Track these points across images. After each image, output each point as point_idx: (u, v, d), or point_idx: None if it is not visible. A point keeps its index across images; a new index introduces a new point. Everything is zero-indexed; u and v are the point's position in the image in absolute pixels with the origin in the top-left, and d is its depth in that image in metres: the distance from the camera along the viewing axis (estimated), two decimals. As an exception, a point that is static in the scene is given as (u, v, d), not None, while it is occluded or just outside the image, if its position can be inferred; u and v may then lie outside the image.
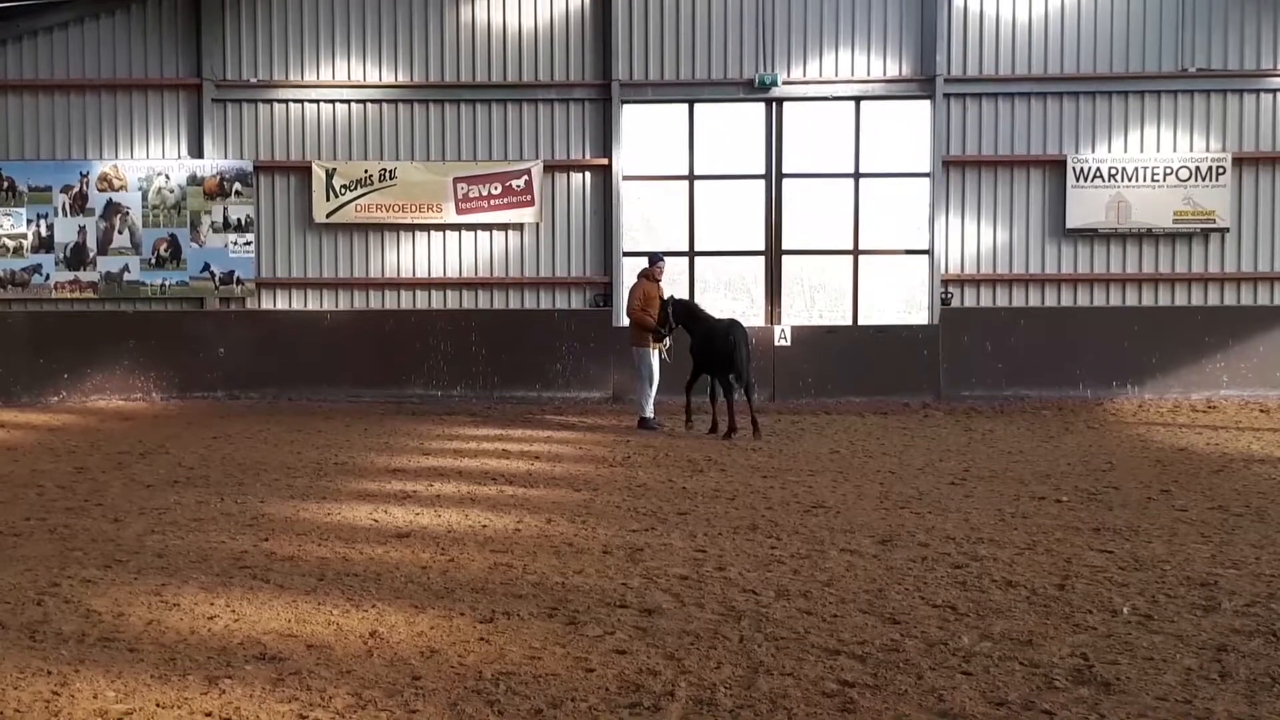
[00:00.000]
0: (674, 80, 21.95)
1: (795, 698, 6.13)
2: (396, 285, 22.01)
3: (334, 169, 21.72)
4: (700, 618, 7.59)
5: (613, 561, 9.16)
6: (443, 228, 21.93)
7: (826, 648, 6.96)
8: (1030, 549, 9.58)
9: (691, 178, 22.15)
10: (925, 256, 22.09)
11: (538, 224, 21.91)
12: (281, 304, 22.08)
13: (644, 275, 18.30)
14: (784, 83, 21.82)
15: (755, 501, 11.81)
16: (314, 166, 21.75)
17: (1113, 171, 21.73)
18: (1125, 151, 21.88)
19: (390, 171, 21.72)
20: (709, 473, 13.70)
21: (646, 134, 22.22)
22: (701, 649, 6.94)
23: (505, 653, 6.83)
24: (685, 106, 22.09)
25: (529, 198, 21.73)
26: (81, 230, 21.81)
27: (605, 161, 21.84)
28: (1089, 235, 21.83)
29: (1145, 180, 21.70)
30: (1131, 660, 6.71)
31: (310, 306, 22.09)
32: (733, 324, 17.61)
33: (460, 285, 22.05)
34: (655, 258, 18.41)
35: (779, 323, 22.04)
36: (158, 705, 5.96)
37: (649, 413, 18.30)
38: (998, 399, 21.56)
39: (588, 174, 22.04)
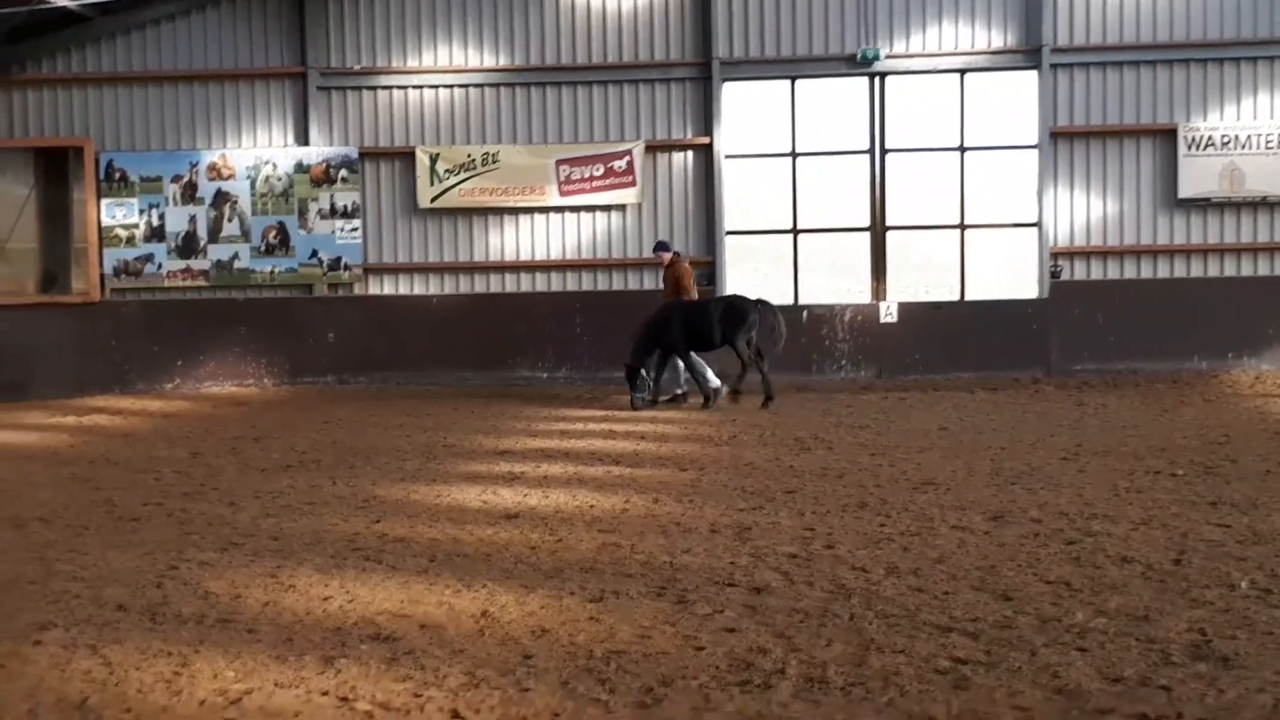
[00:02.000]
0: (775, 57, 21.81)
1: (907, 675, 6.06)
2: (501, 268, 22.12)
3: (437, 154, 21.86)
4: (810, 596, 7.54)
5: (721, 540, 9.13)
6: (545, 210, 21.99)
7: (938, 625, 6.88)
8: (1145, 524, 9.41)
9: (794, 155, 22.00)
10: (1033, 229, 21.77)
11: (639, 204, 21.90)
12: (388, 289, 22.29)
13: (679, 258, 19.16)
14: (887, 57, 21.59)
15: (864, 479, 11.72)
16: (418, 152, 21.91)
17: (1225, 140, 21.27)
18: (1238, 119, 21.39)
19: (493, 155, 21.81)
20: (816, 451, 13.62)
21: (748, 112, 22.10)
22: (811, 627, 6.89)
23: (615, 631, 6.84)
24: (787, 83, 21.93)
25: (630, 178, 21.73)
26: (192, 219, 22.16)
27: (706, 140, 21.77)
28: (1202, 205, 21.39)
29: (1259, 148, 21.20)
30: (1250, 635, 6.56)
31: (416, 291, 22.27)
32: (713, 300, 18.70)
33: (563, 267, 22.10)
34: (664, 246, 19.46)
35: (884, 299, 21.86)
36: (276, 685, 6.03)
37: (714, 382, 18.51)
38: (1110, 373, 21.21)
39: (689, 153, 21.98)
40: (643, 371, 18.42)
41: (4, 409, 19.56)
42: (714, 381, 18.56)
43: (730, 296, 19.02)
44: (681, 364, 18.81)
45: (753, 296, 18.70)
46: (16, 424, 17.56)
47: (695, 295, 19.00)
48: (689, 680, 6.01)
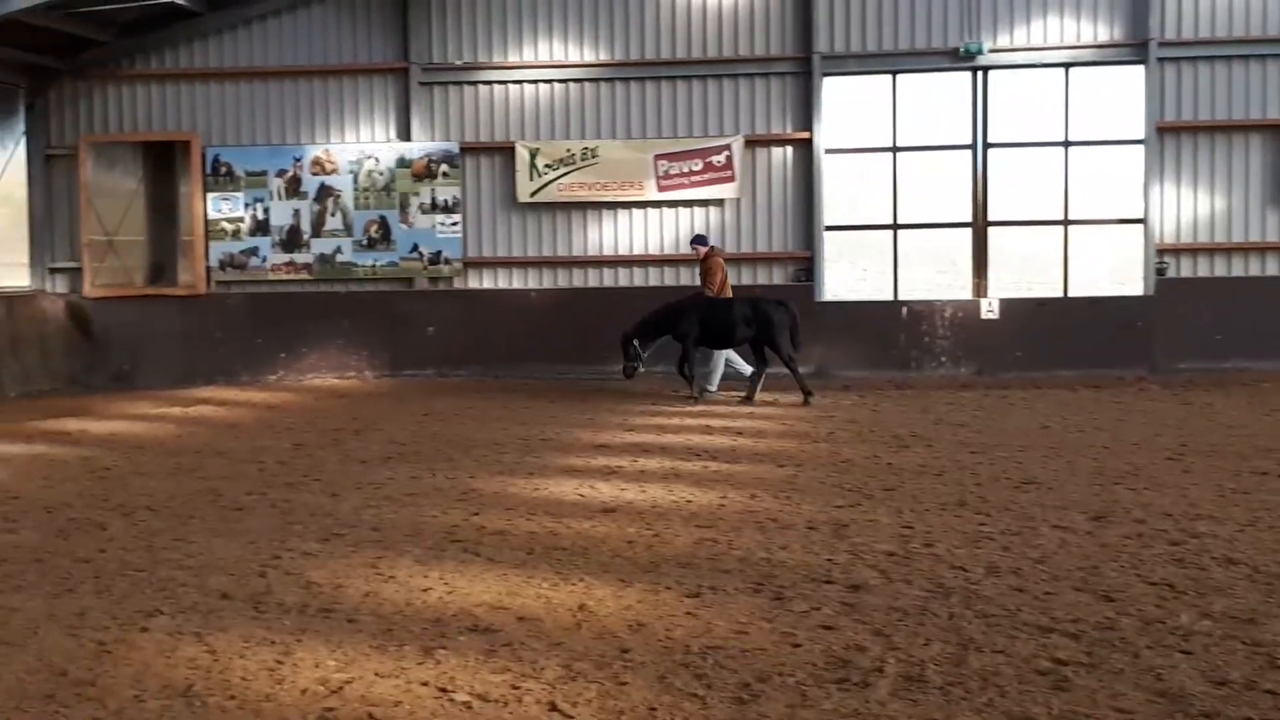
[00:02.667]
0: (876, 51, 21.65)
1: (1007, 675, 6.01)
2: (599, 263, 22.17)
3: (537, 149, 21.95)
4: (908, 594, 7.51)
5: (818, 537, 9.10)
6: (644, 205, 22.00)
7: (1039, 625, 6.82)
8: (1252, 525, 9.25)
9: (895, 149, 21.84)
10: (1139, 226, 21.43)
11: (738, 200, 21.85)
12: (487, 283, 22.41)
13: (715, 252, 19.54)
14: (990, 51, 21.34)
15: (963, 477, 11.62)
16: (518, 147, 22.01)
17: (1338, 134, 20.84)
18: (1352, 113, 20.95)
19: (592, 150, 21.87)
20: (915, 448, 13.53)
21: (848, 106, 21.96)
22: (910, 625, 6.86)
23: (712, 627, 6.84)
24: (888, 78, 21.76)
25: (729, 173, 21.67)
26: (296, 213, 22.44)
27: (806, 135, 21.65)
28: (1313, 201, 20.98)
29: (1374, 143, 20.75)
30: (1363, 641, 6.44)
31: (515, 285, 22.38)
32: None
33: (661, 262, 22.10)
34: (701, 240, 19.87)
35: (985, 295, 21.63)
36: (376, 675, 6.11)
37: (713, 385, 19.06)
38: (1216, 371, 20.81)
39: (789, 148, 21.88)
40: (635, 343, 18.89)
41: (113, 399, 19.94)
42: (713, 386, 19.16)
43: (754, 298, 19.06)
44: (720, 357, 19.18)
45: (775, 299, 18.91)
46: (125, 414, 17.89)
47: (725, 292, 19.15)
48: (786, 677, 6.01)
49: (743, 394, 18.77)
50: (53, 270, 22.98)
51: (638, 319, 19.00)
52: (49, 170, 22.91)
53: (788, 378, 18.57)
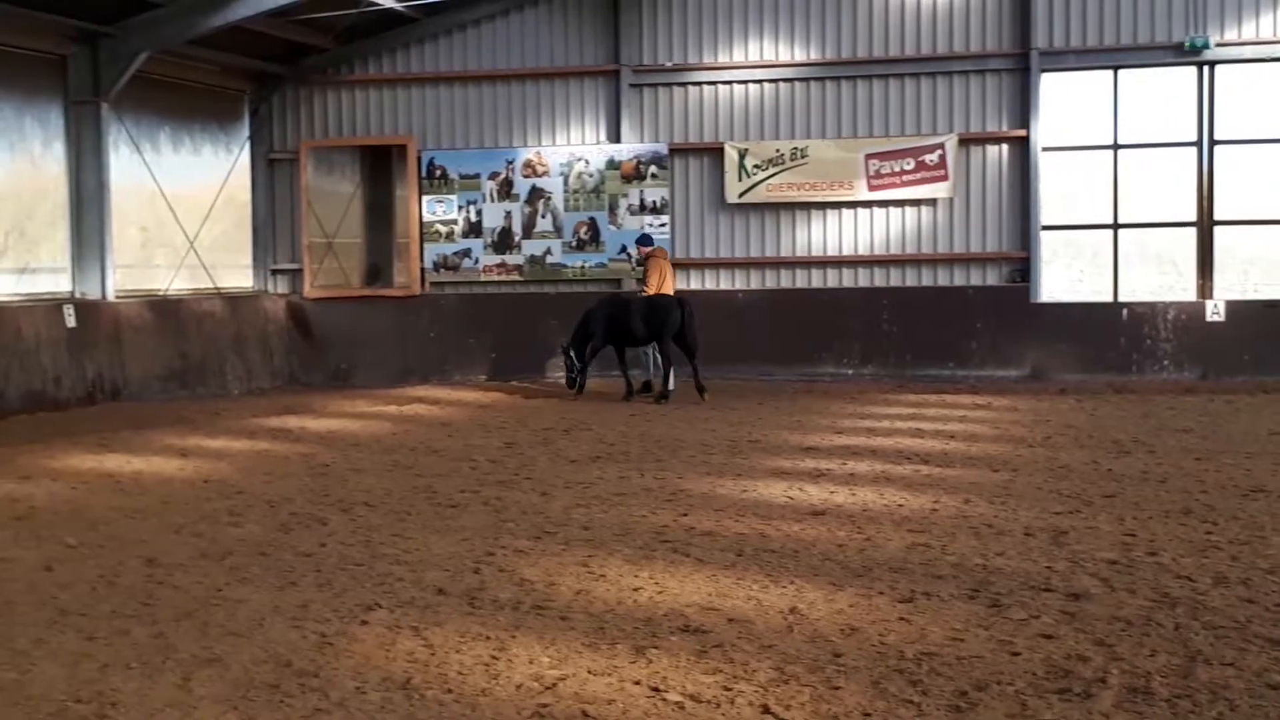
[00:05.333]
0: (1097, 46, 21.06)
1: (1237, 689, 5.77)
2: (807, 263, 22.03)
3: (746, 149, 21.90)
4: (1131, 604, 7.26)
5: (1035, 544, 8.88)
6: (854, 205, 21.78)
7: (1271, 638, 6.54)
8: None
9: (1115, 147, 21.23)
10: (1377, 224, 20.52)
11: (951, 199, 21.48)
12: (695, 284, 22.42)
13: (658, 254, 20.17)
14: (1217, 45, 20.59)
15: (1188, 484, 11.22)
16: (726, 147, 21.98)
17: None
18: None
19: (801, 150, 21.73)
20: (1136, 454, 13.12)
21: (1066, 103, 21.42)
22: (1134, 636, 6.63)
23: (926, 633, 6.71)
24: (1109, 73, 21.17)
25: (942, 172, 21.32)
26: (507, 215, 22.77)
27: (1023, 133, 21.18)
28: None
29: None
30: None
31: (723, 286, 22.37)
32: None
33: (871, 262, 21.86)
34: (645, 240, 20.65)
35: (1210, 297, 20.89)
36: (589, 672, 6.13)
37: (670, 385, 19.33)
38: None
39: (1004, 146, 21.43)
40: (570, 354, 19.51)
41: (331, 397, 20.48)
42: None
43: (655, 295, 19.32)
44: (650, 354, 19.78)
45: (676, 298, 19.38)
46: (343, 412, 18.36)
47: (666, 291, 19.64)
48: (1004, 685, 5.86)
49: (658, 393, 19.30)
50: (274, 272, 23.75)
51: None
52: (271, 174, 23.69)
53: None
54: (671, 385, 19.19)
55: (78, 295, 19.38)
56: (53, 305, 18.65)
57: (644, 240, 20.65)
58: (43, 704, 5.86)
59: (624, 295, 20.30)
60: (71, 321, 18.62)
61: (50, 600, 7.76)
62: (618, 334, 19.23)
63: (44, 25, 18.57)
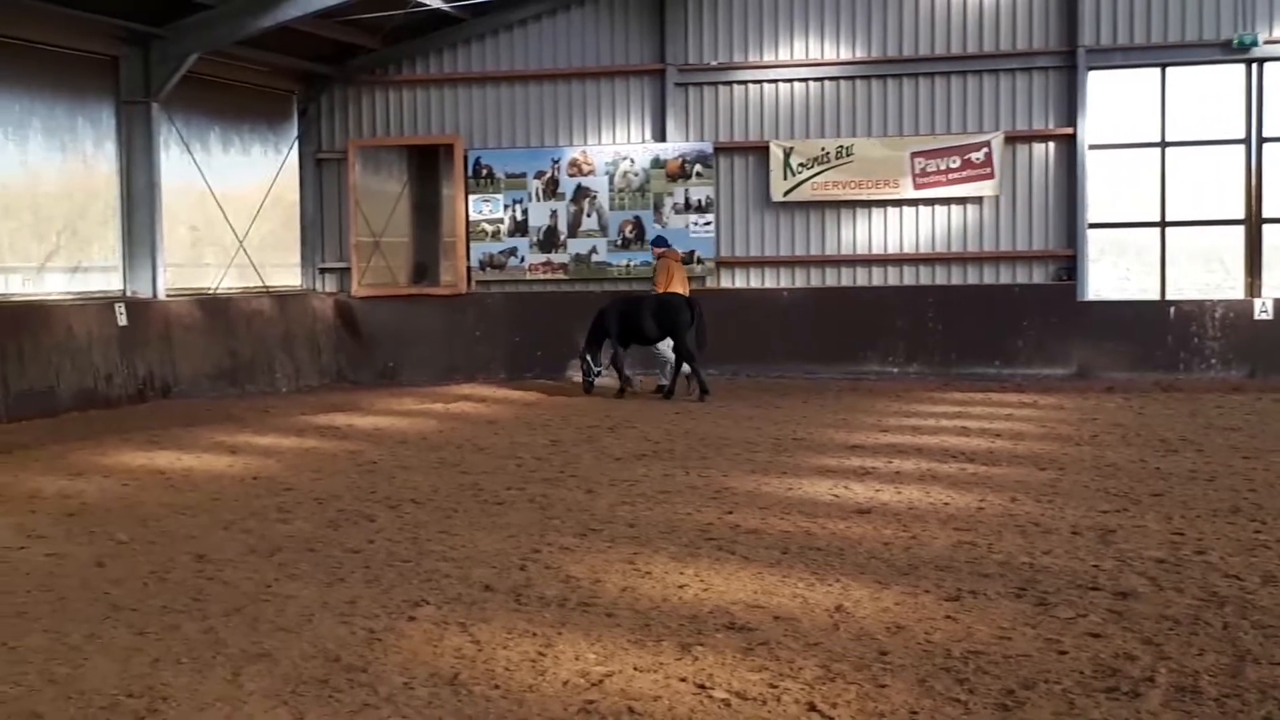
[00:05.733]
0: (1144, 44, 20.93)
1: (1288, 690, 5.76)
2: (852, 262, 21.99)
3: (791, 148, 21.88)
4: (1179, 603, 7.24)
5: (1083, 543, 8.85)
6: (899, 203, 21.73)
7: (1321, 639, 6.51)
8: None
9: (1163, 145, 21.09)
10: None
11: (997, 197, 21.39)
12: (740, 282, 22.44)
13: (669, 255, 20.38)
14: (1265, 42, 20.42)
15: (1236, 483, 11.15)
16: (772, 146, 21.97)
17: None
18: None
19: (847, 148, 21.69)
20: (1184, 453, 13.04)
21: (1113, 100, 21.29)
22: (1182, 635, 6.61)
23: (973, 631, 6.71)
24: (1156, 71, 21.04)
25: (988, 170, 21.24)
26: (553, 214, 22.83)
27: (1069, 131, 21.07)
28: None
29: None
30: None
31: (768, 284, 22.36)
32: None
33: (916, 261, 21.81)
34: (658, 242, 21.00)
35: (1259, 295, 20.72)
36: (635, 669, 6.16)
37: (665, 378, 19.73)
38: None
39: (1050, 144, 21.33)
40: (587, 358, 19.76)
41: (378, 394, 20.60)
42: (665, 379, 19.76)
43: (666, 294, 19.44)
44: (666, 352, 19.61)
45: (686, 297, 19.49)
46: (389, 409, 18.46)
47: (678, 289, 19.76)
48: (1051, 684, 5.86)
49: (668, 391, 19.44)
50: (322, 270, 23.92)
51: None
52: (319, 173, 23.87)
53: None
54: (670, 382, 19.46)
55: (129, 294, 19.58)
56: (104, 304, 18.85)
57: (658, 242, 20.90)
58: (95, 698, 5.94)
59: (636, 294, 20.36)
60: (123, 320, 18.82)
61: (102, 595, 7.86)
62: (630, 332, 19.38)
63: (96, 26, 18.77)
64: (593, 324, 19.65)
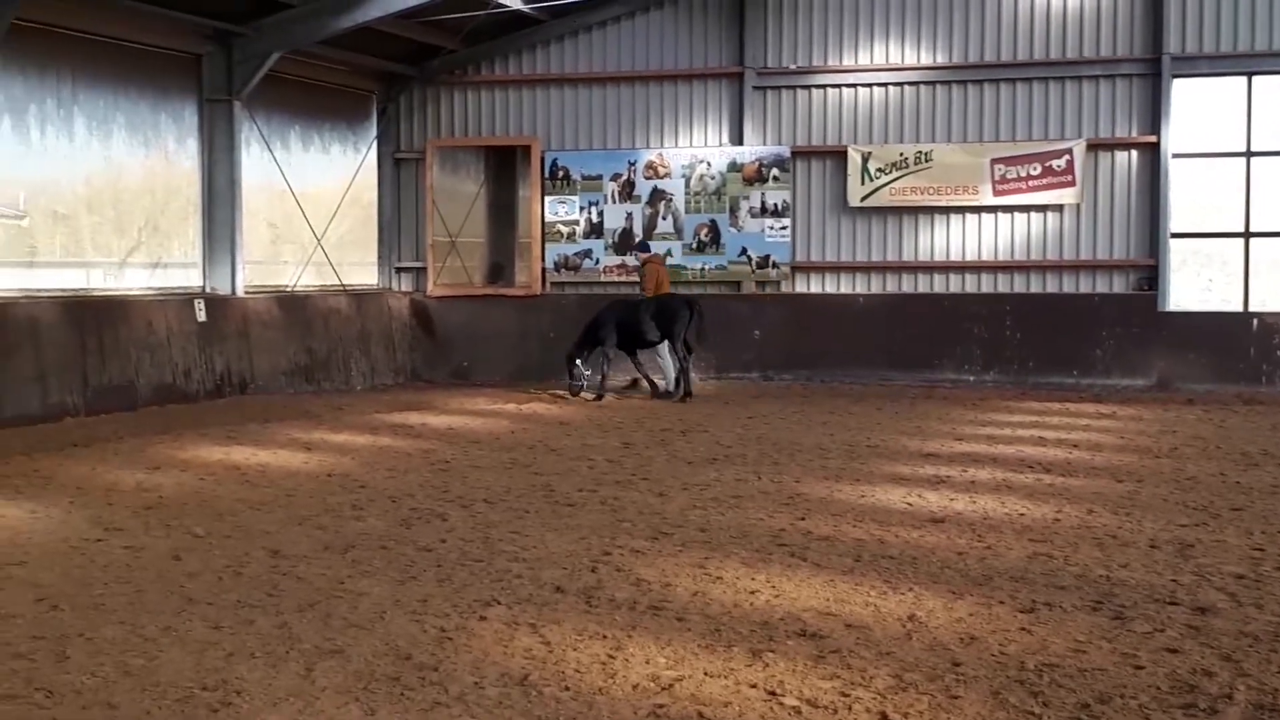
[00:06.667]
0: (1231, 52, 20.63)
1: (1371, 710, 5.64)
2: (930, 268, 21.83)
3: (869, 153, 21.76)
4: (1259, 619, 7.12)
5: (1161, 556, 8.73)
6: (978, 210, 21.55)
7: (1406, 659, 6.37)
8: None
9: (1248, 154, 20.78)
10: None
11: (1078, 205, 21.16)
12: (815, 287, 22.35)
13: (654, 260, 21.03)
14: (1355, 50, 20.12)
15: (1319, 499, 10.98)
16: (849, 151, 21.85)
17: None
18: None
19: (926, 154, 21.54)
20: (1266, 467, 12.84)
21: (1197, 109, 21.00)
22: (1261, 652, 6.50)
23: (1048, 644, 6.63)
24: (1242, 79, 20.72)
25: (1070, 178, 21.02)
26: (629, 216, 22.84)
27: (1153, 139, 20.80)
28: None
29: None
30: None
31: (843, 290, 22.24)
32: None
33: (994, 268, 21.62)
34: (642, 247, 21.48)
35: (1342, 306, 20.40)
36: (705, 674, 6.14)
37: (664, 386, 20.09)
38: None
39: (1133, 152, 21.08)
40: (578, 362, 19.83)
41: (451, 394, 20.69)
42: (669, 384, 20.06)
43: (663, 296, 19.80)
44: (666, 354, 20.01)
45: (684, 296, 20.13)
46: (463, 409, 18.55)
47: (665, 292, 20.28)
48: (1127, 699, 5.78)
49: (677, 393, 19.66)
50: (398, 269, 24.07)
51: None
52: (397, 173, 24.01)
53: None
54: (677, 384, 19.68)
55: (208, 290, 19.78)
56: (184, 300, 19.06)
57: (642, 247, 21.35)
58: (169, 690, 6.00)
59: (632, 298, 20.45)
60: (202, 316, 19.03)
61: (178, 589, 7.94)
62: (629, 337, 19.65)
63: (180, 25, 18.99)
64: (584, 329, 19.89)
